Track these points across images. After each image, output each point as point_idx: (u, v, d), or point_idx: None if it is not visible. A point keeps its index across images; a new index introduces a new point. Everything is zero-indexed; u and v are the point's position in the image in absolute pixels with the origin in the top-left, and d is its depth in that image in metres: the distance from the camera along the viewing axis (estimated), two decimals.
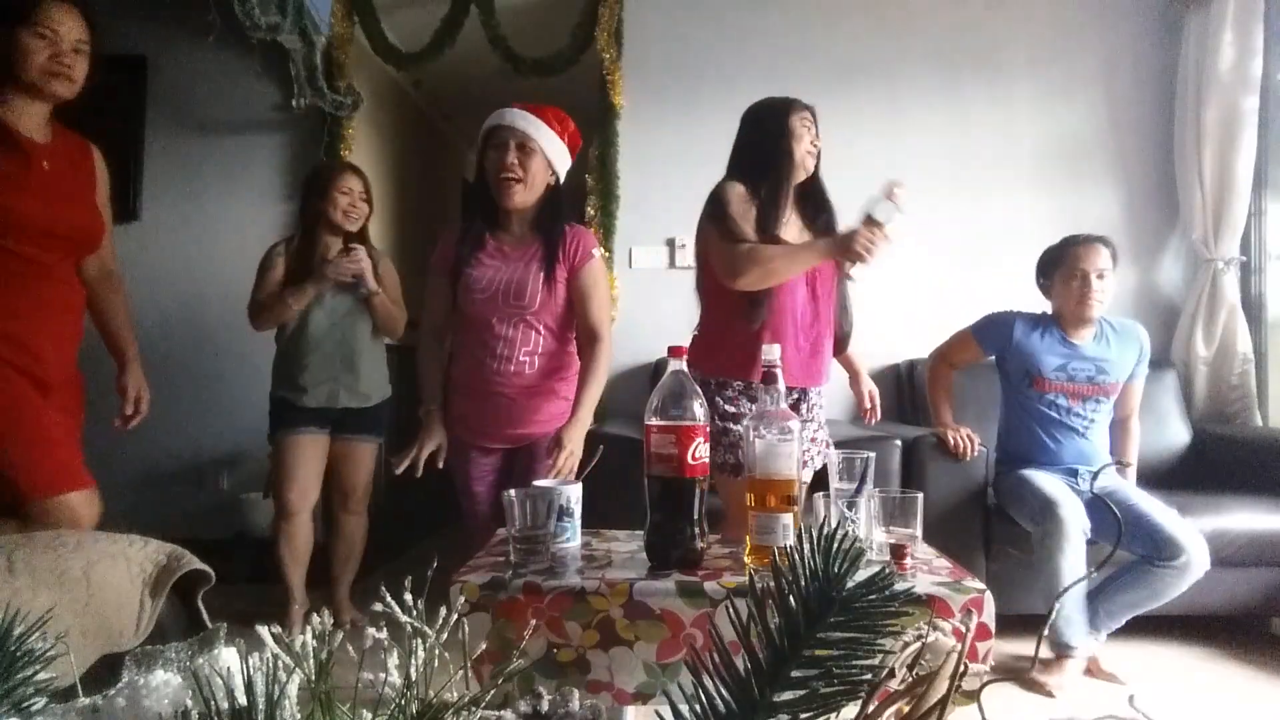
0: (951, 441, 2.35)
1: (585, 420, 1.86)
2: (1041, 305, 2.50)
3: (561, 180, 1.93)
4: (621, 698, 1.11)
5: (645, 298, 3.28)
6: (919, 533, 1.25)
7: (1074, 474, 2.31)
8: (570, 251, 1.88)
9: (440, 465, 1.90)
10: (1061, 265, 2.35)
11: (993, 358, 2.46)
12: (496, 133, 1.85)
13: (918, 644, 0.57)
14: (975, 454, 2.35)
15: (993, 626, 1.11)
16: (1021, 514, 2.21)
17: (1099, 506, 2.15)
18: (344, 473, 2.57)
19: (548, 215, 1.89)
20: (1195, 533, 2.07)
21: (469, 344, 1.92)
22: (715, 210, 1.85)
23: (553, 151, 1.86)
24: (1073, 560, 2.00)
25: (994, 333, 2.37)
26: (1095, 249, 2.32)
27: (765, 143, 1.89)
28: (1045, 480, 2.20)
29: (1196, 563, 2.01)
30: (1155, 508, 2.12)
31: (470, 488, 1.96)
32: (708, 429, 1.22)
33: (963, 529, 2.37)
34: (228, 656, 0.60)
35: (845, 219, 3.38)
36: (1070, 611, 2.02)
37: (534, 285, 1.84)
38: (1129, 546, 2.08)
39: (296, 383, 2.47)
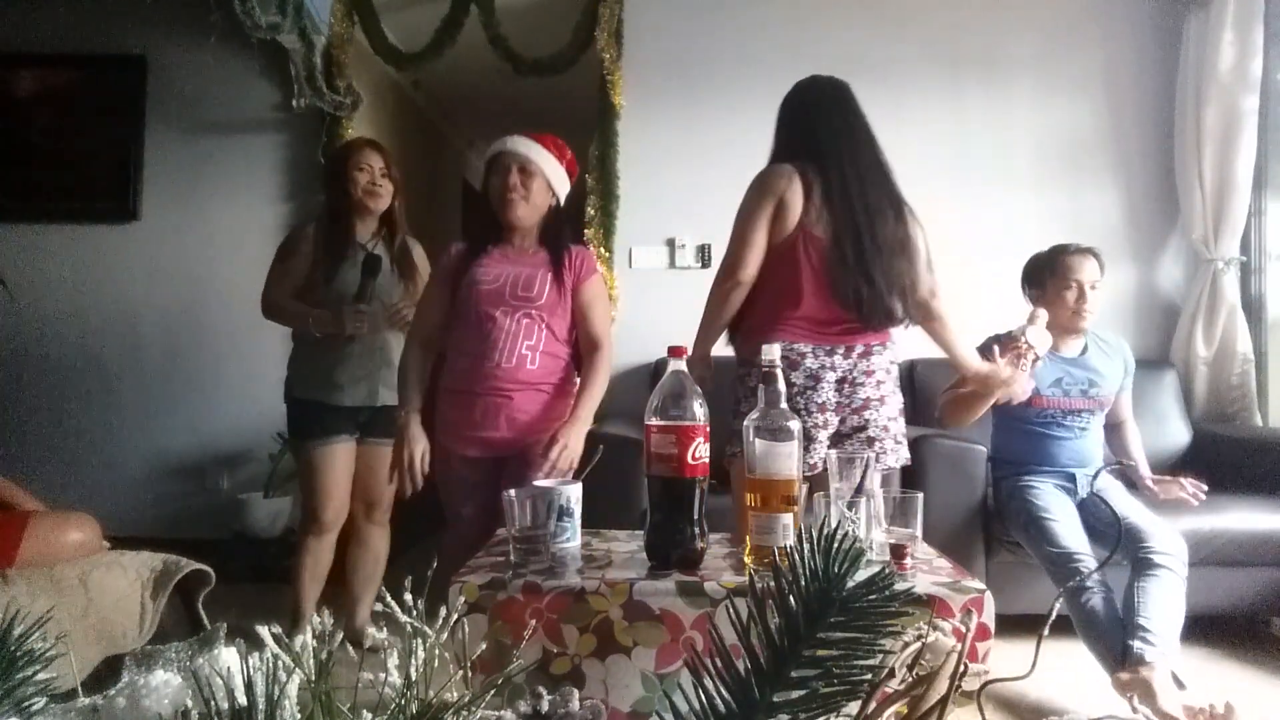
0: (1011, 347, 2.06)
1: (585, 420, 1.88)
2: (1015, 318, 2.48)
3: (561, 203, 1.99)
4: (616, 718, 1.09)
5: (645, 298, 3.28)
6: (919, 533, 1.25)
7: (1071, 479, 2.29)
8: (575, 265, 1.93)
9: (426, 471, 1.90)
10: (1055, 275, 2.31)
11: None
12: (499, 159, 1.92)
13: (918, 644, 0.57)
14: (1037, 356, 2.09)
15: (992, 626, 1.11)
16: (1035, 554, 2.16)
17: (1094, 505, 2.16)
18: (370, 480, 2.36)
19: (551, 234, 1.96)
20: (1163, 524, 2.06)
21: (467, 343, 1.89)
22: None
23: (552, 174, 1.93)
24: (1102, 600, 1.97)
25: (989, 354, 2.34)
26: (1088, 259, 2.29)
27: None
28: (1056, 519, 2.12)
29: (1162, 547, 1.97)
30: (1135, 510, 2.12)
31: (456, 510, 1.93)
32: (708, 429, 1.22)
33: (963, 529, 2.37)
34: (228, 656, 0.60)
35: None
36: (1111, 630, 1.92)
37: (543, 280, 1.88)
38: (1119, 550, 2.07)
39: (332, 379, 2.25)
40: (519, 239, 1.95)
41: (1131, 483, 2.38)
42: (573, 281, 1.92)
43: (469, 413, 1.87)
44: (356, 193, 2.30)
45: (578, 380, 1.99)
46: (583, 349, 1.97)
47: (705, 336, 1.91)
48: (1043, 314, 2.12)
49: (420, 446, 1.88)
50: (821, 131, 1.93)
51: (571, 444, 1.83)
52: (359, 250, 2.31)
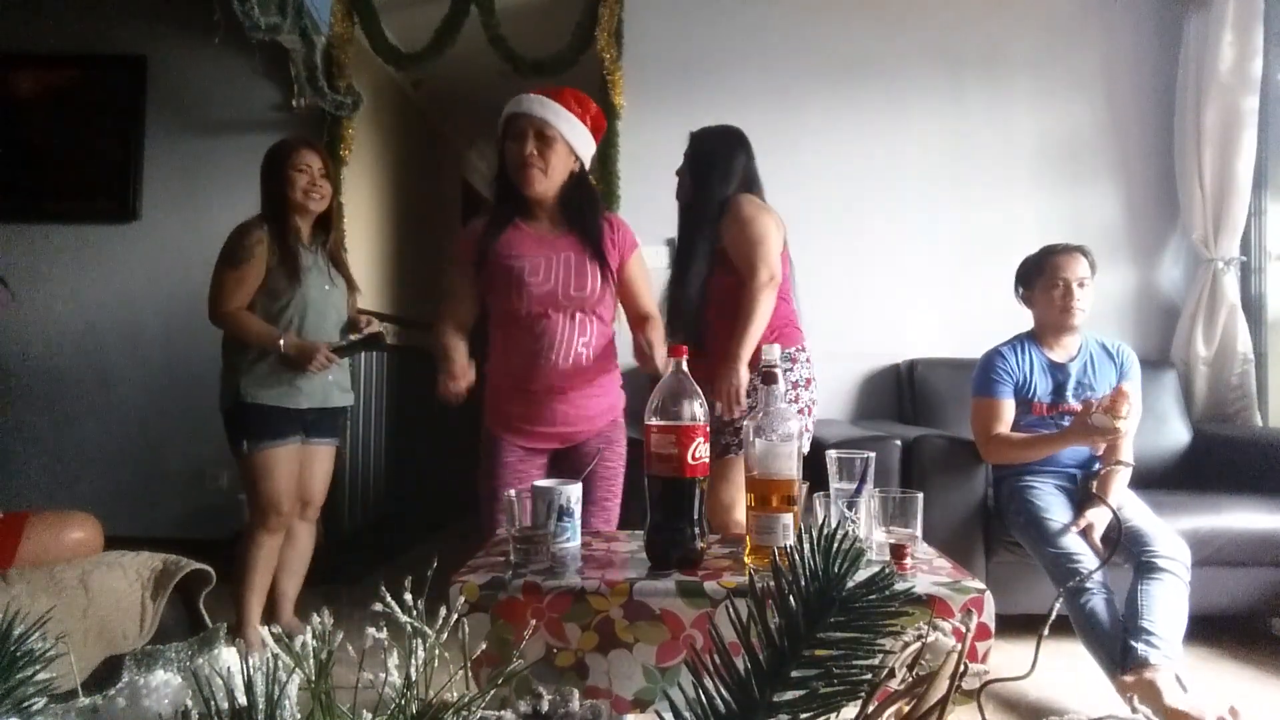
0: (1099, 419, 2.06)
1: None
2: (1015, 317, 2.49)
3: (587, 164, 1.86)
4: (620, 705, 1.10)
5: None
6: (919, 533, 1.25)
7: (1072, 479, 2.28)
8: (620, 242, 1.84)
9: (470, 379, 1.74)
10: (1042, 275, 2.34)
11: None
12: (514, 121, 1.77)
13: (918, 644, 0.57)
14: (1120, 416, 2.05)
15: (993, 626, 1.11)
16: (1035, 554, 2.15)
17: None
18: (307, 478, 2.33)
19: (575, 202, 1.81)
20: (1166, 528, 2.06)
21: (518, 340, 1.79)
22: None
23: (574, 137, 1.78)
24: (1102, 602, 1.98)
25: (1000, 375, 2.32)
26: (1075, 258, 2.31)
27: None
28: (1056, 519, 2.11)
29: (1165, 551, 1.97)
30: (1138, 513, 2.11)
31: (494, 490, 1.81)
32: (708, 429, 1.22)
33: (963, 529, 2.37)
34: (228, 656, 0.60)
35: (847, 223, 3.38)
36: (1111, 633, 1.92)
37: (592, 275, 1.78)
38: (1121, 552, 2.07)
39: (293, 384, 2.22)
40: (543, 210, 1.82)
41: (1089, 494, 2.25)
42: (618, 259, 1.83)
43: (523, 408, 1.81)
44: (295, 194, 2.24)
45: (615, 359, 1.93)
46: (631, 323, 1.87)
47: (755, 341, 2.03)
48: (1133, 397, 2.08)
49: (461, 354, 1.74)
50: (757, 175, 2.27)
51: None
52: (313, 258, 2.29)
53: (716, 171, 2.22)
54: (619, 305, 1.91)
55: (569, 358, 1.77)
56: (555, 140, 1.75)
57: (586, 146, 1.83)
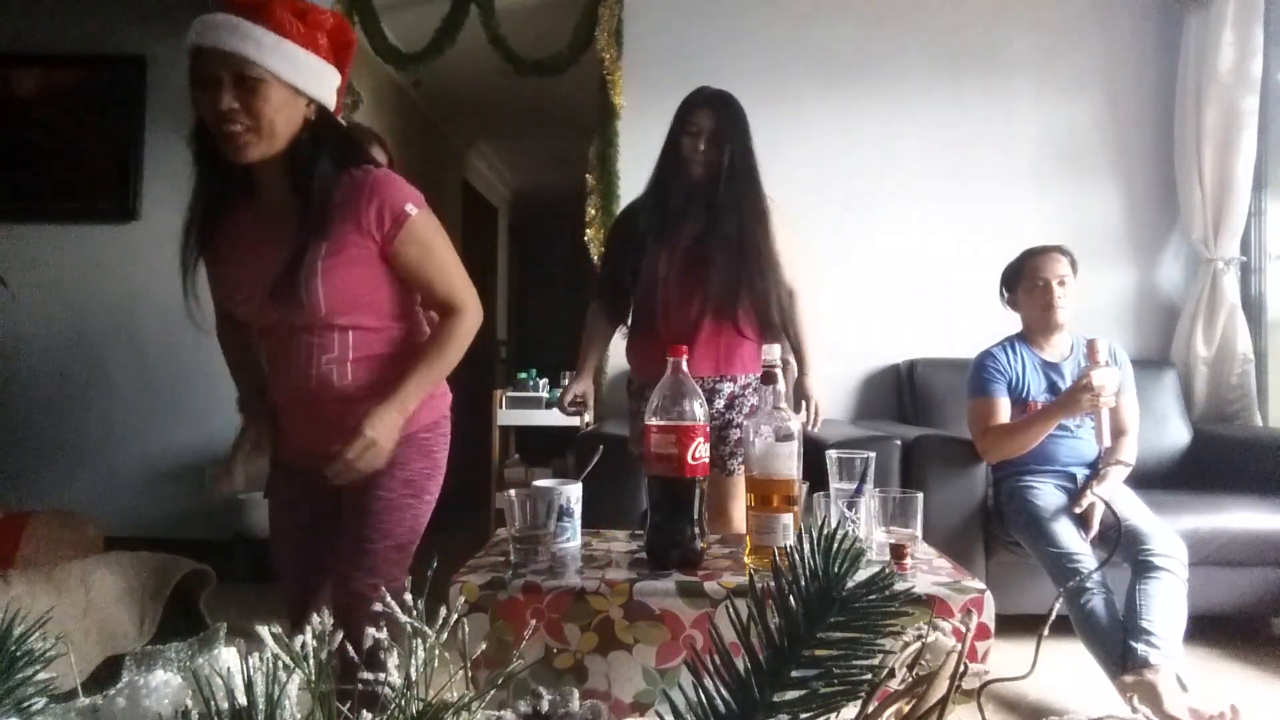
0: (1086, 393, 2.08)
1: (400, 405, 1.29)
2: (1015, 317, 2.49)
3: (332, 102, 1.31)
4: (619, 708, 1.10)
5: None
6: (919, 533, 1.25)
7: (1072, 478, 2.28)
8: (369, 219, 1.28)
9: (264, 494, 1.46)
10: (1022, 278, 2.37)
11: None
12: (201, 62, 1.20)
13: (918, 644, 0.57)
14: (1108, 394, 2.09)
15: (992, 626, 1.11)
16: (1035, 554, 2.15)
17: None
18: None
19: (307, 163, 1.26)
20: (1163, 526, 2.05)
21: (265, 350, 1.42)
22: None
23: (296, 72, 1.23)
24: (1102, 602, 1.98)
25: (993, 375, 2.33)
26: (1053, 257, 2.33)
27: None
28: (1056, 519, 2.12)
29: (1162, 550, 1.97)
30: (1136, 512, 2.11)
31: (278, 527, 1.47)
32: (708, 429, 1.22)
33: (963, 529, 2.37)
34: (228, 656, 0.60)
35: (847, 223, 3.38)
36: (1111, 635, 1.93)
37: (311, 283, 1.26)
38: (1119, 551, 2.07)
39: None
40: (266, 179, 1.30)
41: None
42: (379, 245, 1.30)
43: (295, 427, 1.42)
44: None
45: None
46: (437, 313, 1.41)
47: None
48: (1103, 351, 2.11)
49: (260, 452, 1.47)
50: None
51: (377, 435, 1.26)
52: None
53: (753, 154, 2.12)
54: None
55: (311, 378, 1.32)
56: (264, 84, 1.20)
57: (323, 78, 1.27)
